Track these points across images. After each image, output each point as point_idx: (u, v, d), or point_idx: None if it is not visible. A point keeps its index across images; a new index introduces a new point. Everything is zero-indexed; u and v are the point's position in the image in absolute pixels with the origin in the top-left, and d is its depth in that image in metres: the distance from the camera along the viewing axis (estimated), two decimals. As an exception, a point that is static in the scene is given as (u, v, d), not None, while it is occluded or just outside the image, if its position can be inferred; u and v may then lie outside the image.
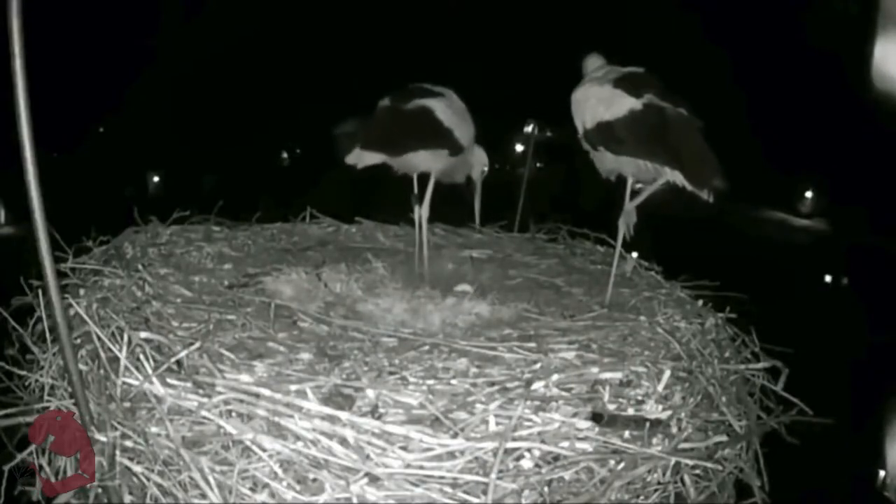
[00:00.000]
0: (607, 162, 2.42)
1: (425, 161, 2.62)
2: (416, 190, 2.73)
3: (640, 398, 1.78)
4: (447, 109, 2.62)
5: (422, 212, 2.69)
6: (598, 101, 2.36)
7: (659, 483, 1.75)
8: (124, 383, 1.67)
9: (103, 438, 1.66)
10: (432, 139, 2.58)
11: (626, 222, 2.42)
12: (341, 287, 2.43)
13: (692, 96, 2.31)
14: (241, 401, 1.62)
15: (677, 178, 2.25)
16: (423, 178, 2.69)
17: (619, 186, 2.46)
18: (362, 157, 2.49)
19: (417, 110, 2.58)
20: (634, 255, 2.81)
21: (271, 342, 1.95)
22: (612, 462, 1.65)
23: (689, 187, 2.23)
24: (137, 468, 1.66)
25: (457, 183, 2.88)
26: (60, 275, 2.00)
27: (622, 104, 2.30)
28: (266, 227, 3.06)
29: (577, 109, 2.45)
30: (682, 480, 1.85)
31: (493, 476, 1.52)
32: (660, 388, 1.79)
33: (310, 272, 2.48)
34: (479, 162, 2.90)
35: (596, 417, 1.69)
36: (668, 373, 1.81)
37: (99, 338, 1.74)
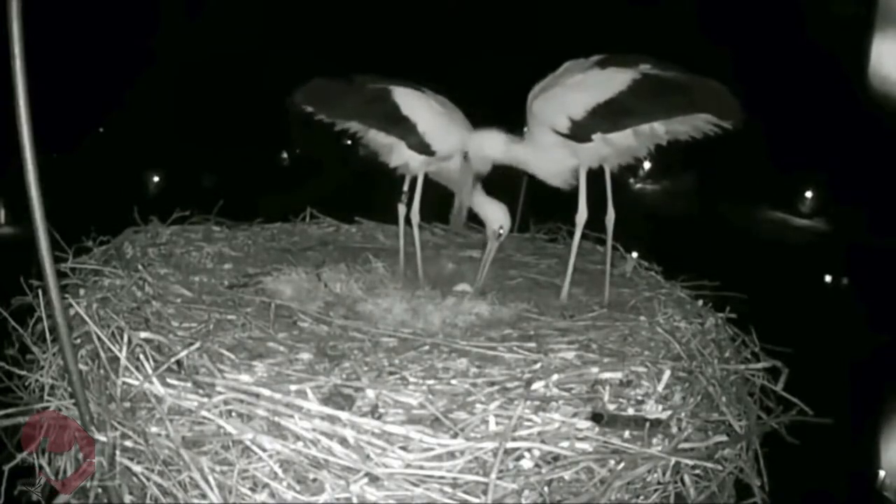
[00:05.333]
0: (595, 150, 2.39)
1: (398, 151, 2.59)
2: (405, 188, 2.69)
3: (640, 398, 1.78)
4: (414, 102, 2.56)
5: (410, 215, 2.64)
6: (585, 88, 2.34)
7: (659, 483, 1.75)
8: (124, 383, 1.67)
9: (103, 438, 1.66)
10: (381, 119, 2.54)
11: None
12: (341, 287, 2.43)
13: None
14: (241, 401, 1.62)
15: (703, 120, 2.26)
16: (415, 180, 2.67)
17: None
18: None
19: (376, 88, 2.57)
20: (634, 255, 2.81)
21: (271, 342, 1.95)
22: (612, 462, 1.65)
23: (721, 124, 2.25)
24: (137, 468, 1.66)
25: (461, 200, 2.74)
26: (60, 275, 2.00)
27: (619, 79, 2.29)
28: (266, 227, 3.06)
29: (553, 109, 2.39)
30: (682, 480, 1.85)
31: (493, 476, 1.52)
32: (660, 388, 1.80)
33: (310, 272, 2.48)
34: (493, 217, 2.66)
35: (596, 417, 1.69)
36: (668, 373, 1.81)
37: (99, 338, 1.74)
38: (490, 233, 2.68)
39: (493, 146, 2.55)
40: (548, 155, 2.47)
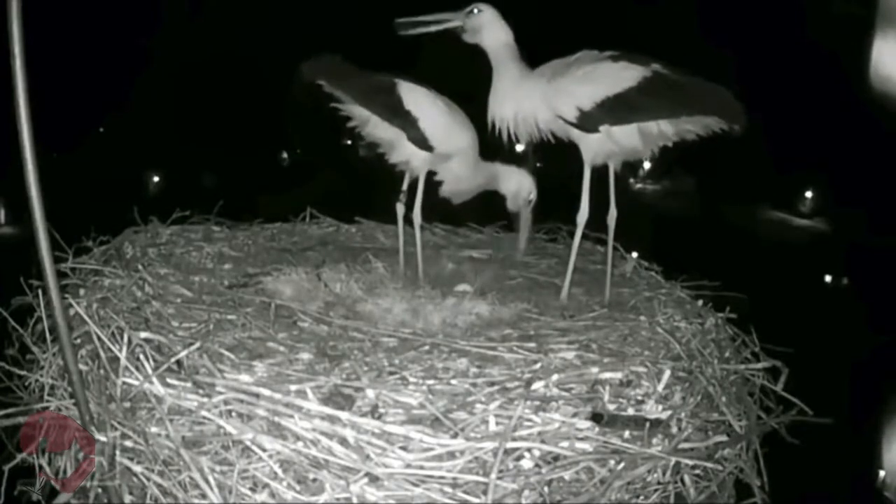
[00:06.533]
0: (600, 144, 2.39)
1: (400, 147, 2.58)
2: (404, 188, 2.69)
3: (640, 398, 1.78)
4: (418, 97, 2.57)
5: (412, 215, 2.63)
6: (595, 80, 2.35)
7: (659, 483, 1.75)
8: (124, 383, 1.67)
9: (103, 438, 1.66)
10: (384, 108, 2.54)
11: None
12: (341, 287, 2.42)
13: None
14: (241, 401, 1.62)
15: (709, 123, 2.31)
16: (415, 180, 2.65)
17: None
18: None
19: (383, 79, 2.58)
20: (634, 255, 2.81)
21: (271, 342, 1.94)
22: (612, 462, 1.65)
23: (725, 127, 2.30)
24: (137, 468, 1.66)
25: (465, 198, 2.77)
26: (60, 275, 2.00)
27: (630, 75, 2.31)
28: (266, 227, 3.06)
29: (561, 98, 2.38)
30: (682, 480, 1.85)
31: (493, 476, 1.52)
32: (660, 388, 1.79)
33: (310, 272, 2.48)
34: (520, 187, 2.72)
35: (596, 417, 1.69)
36: (668, 373, 1.81)
37: (99, 338, 1.74)
38: (521, 202, 2.72)
39: (501, 33, 2.51)
40: (519, 98, 2.45)
